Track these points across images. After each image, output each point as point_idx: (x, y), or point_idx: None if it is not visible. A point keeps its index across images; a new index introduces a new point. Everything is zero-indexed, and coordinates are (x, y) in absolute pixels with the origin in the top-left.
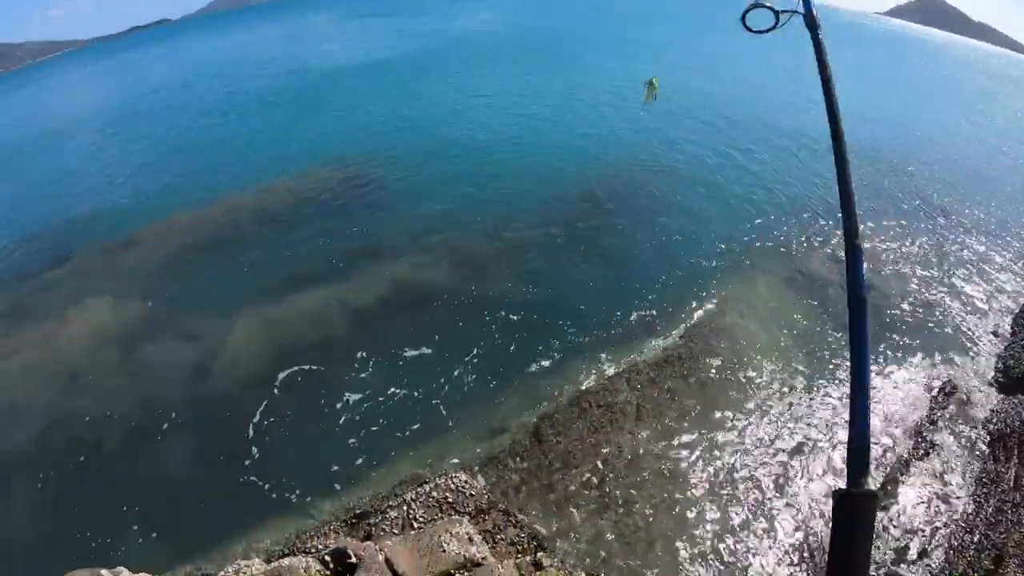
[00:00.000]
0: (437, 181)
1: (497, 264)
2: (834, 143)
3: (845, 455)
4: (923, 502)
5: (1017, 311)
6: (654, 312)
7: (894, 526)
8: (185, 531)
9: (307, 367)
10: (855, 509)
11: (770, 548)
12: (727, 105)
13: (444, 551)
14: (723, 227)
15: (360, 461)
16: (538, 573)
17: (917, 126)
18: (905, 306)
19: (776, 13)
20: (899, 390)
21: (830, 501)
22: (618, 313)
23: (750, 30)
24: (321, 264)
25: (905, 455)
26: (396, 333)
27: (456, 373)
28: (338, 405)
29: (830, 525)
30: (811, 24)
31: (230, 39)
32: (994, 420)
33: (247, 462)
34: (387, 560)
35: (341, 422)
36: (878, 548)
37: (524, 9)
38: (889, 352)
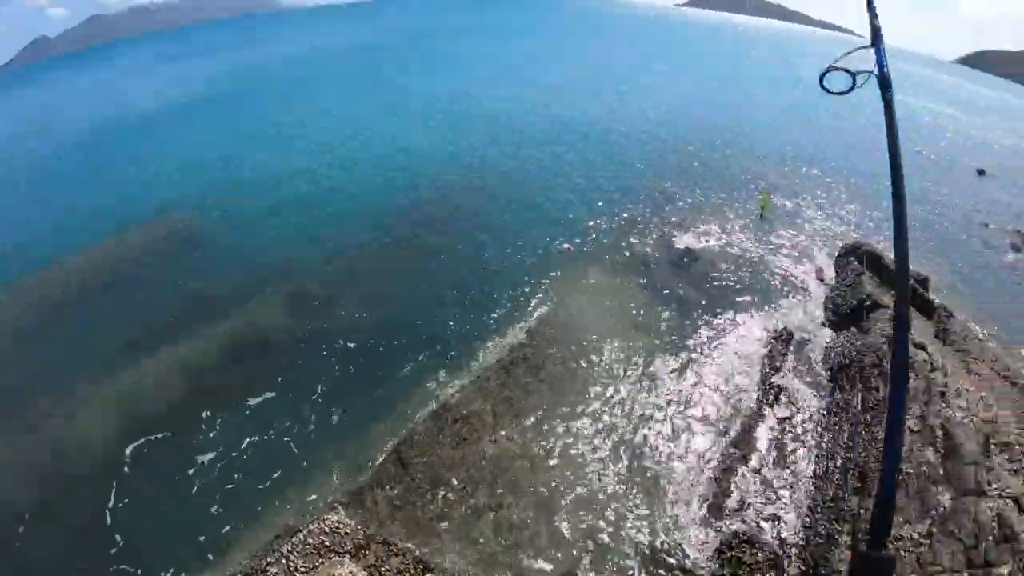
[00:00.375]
0: (262, 221)
1: (332, 296)
2: (895, 203)
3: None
4: (783, 443)
5: (836, 254)
6: (495, 318)
7: (760, 472)
8: None
9: (156, 436)
10: (877, 571)
11: (638, 515)
12: (525, 115)
13: None
14: (544, 229)
15: (227, 525)
16: None
17: (718, 103)
18: (733, 271)
19: (853, 75)
20: (742, 345)
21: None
22: (459, 326)
23: (828, 91)
24: (156, 327)
25: (757, 403)
26: (240, 385)
27: (306, 414)
28: (191, 471)
29: None
30: (884, 84)
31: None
32: (832, 355)
33: (113, 551)
34: None
35: (199, 487)
36: (753, 493)
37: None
38: (727, 315)
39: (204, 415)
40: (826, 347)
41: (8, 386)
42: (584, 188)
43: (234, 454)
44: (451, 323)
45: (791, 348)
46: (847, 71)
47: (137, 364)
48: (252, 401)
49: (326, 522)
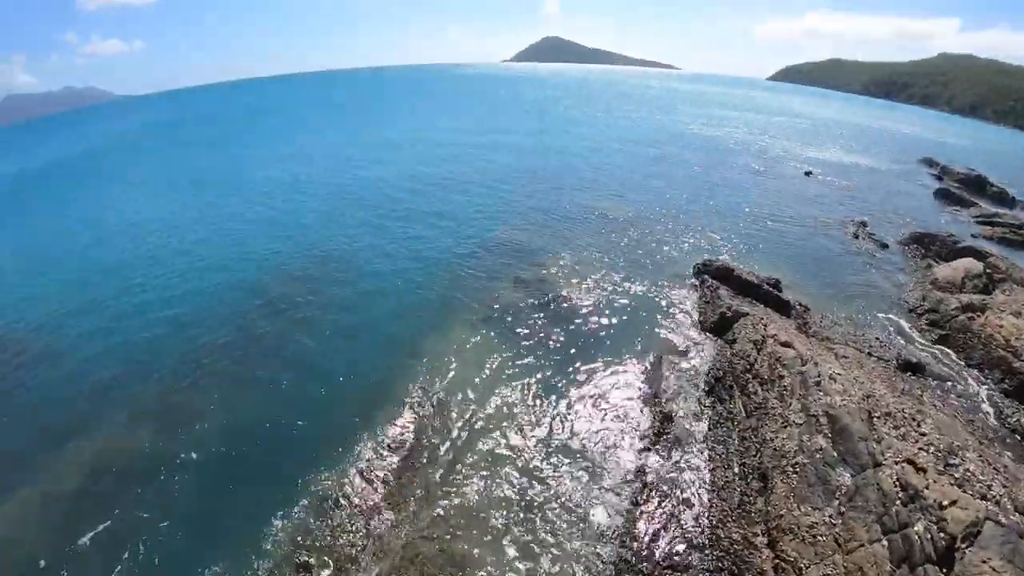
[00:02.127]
0: (97, 328)
1: (193, 410)
2: None
3: None
4: (679, 462)
5: (690, 271)
6: (373, 410)
7: (664, 500)
8: None
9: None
10: None
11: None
12: (351, 189)
13: None
14: (400, 301)
15: None
16: None
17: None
18: (597, 312)
19: None
20: (621, 382)
21: None
22: (336, 426)
23: None
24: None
25: (649, 433)
26: (108, 513)
27: (175, 544)
28: None
29: None
30: None
31: None
32: (708, 371)
33: None
34: None
35: None
36: (661, 523)
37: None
38: (601, 353)
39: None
40: (698, 365)
41: None
42: (437, 253)
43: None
44: (321, 417)
45: (665, 372)
46: None
47: None
48: (119, 529)
49: None
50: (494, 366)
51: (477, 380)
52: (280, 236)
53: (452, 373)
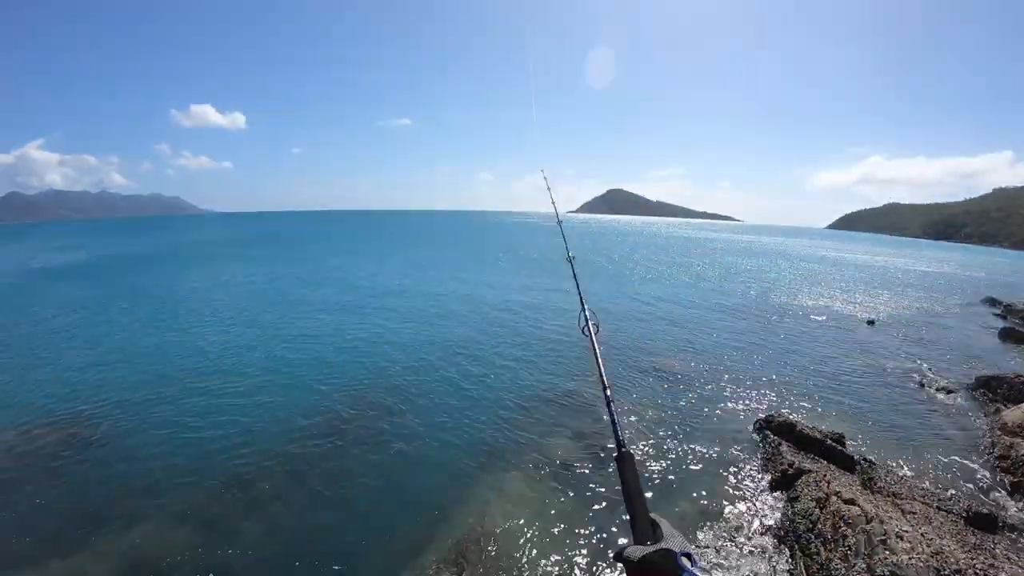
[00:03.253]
0: (153, 431)
1: (235, 518)
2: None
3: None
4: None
5: (752, 427)
6: (418, 552)
7: None
8: None
9: None
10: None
11: None
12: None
13: None
14: (459, 438)
15: None
16: None
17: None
18: (655, 470)
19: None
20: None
21: None
22: (382, 555)
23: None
24: (42, 545)
25: None
26: None
27: None
28: None
29: None
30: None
31: None
32: (765, 531)
33: None
34: None
35: None
36: None
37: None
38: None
39: None
40: (759, 525)
41: None
42: (512, 395)
43: None
44: (371, 554)
45: (724, 534)
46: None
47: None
48: None
49: None
50: (546, 519)
51: (526, 531)
52: (355, 361)
53: (505, 523)
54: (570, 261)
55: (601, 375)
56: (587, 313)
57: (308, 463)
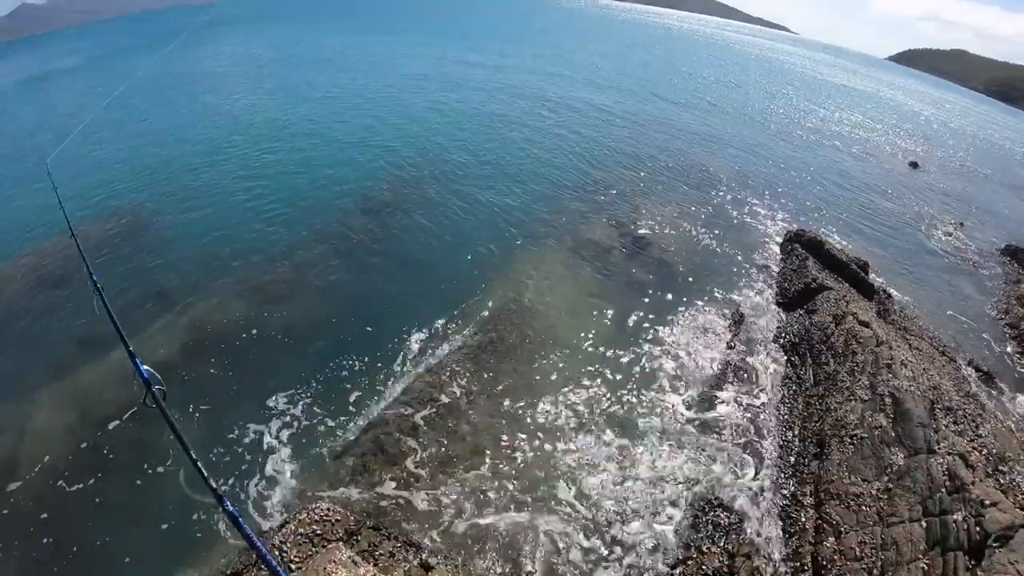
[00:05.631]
0: (214, 210)
1: (294, 288)
2: None
3: None
4: (743, 414)
5: (782, 240)
6: (461, 305)
7: (725, 438)
8: None
9: (118, 438)
10: None
11: (610, 482)
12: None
13: None
14: (507, 211)
15: (201, 525)
16: (429, 574)
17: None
18: (686, 257)
19: None
20: (700, 329)
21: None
22: (425, 314)
23: None
24: (109, 322)
25: (716, 378)
26: (202, 382)
27: (276, 410)
28: (157, 469)
29: None
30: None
31: None
32: (783, 334)
33: (89, 560)
34: None
35: (167, 486)
36: (723, 460)
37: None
38: (682, 299)
39: (170, 413)
40: (777, 327)
41: None
42: (554, 176)
43: (218, 447)
44: (414, 313)
45: (744, 329)
46: None
47: (95, 361)
48: (219, 399)
49: (315, 511)
50: (581, 292)
51: (566, 303)
52: (405, 137)
53: (540, 291)
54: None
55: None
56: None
57: (362, 231)
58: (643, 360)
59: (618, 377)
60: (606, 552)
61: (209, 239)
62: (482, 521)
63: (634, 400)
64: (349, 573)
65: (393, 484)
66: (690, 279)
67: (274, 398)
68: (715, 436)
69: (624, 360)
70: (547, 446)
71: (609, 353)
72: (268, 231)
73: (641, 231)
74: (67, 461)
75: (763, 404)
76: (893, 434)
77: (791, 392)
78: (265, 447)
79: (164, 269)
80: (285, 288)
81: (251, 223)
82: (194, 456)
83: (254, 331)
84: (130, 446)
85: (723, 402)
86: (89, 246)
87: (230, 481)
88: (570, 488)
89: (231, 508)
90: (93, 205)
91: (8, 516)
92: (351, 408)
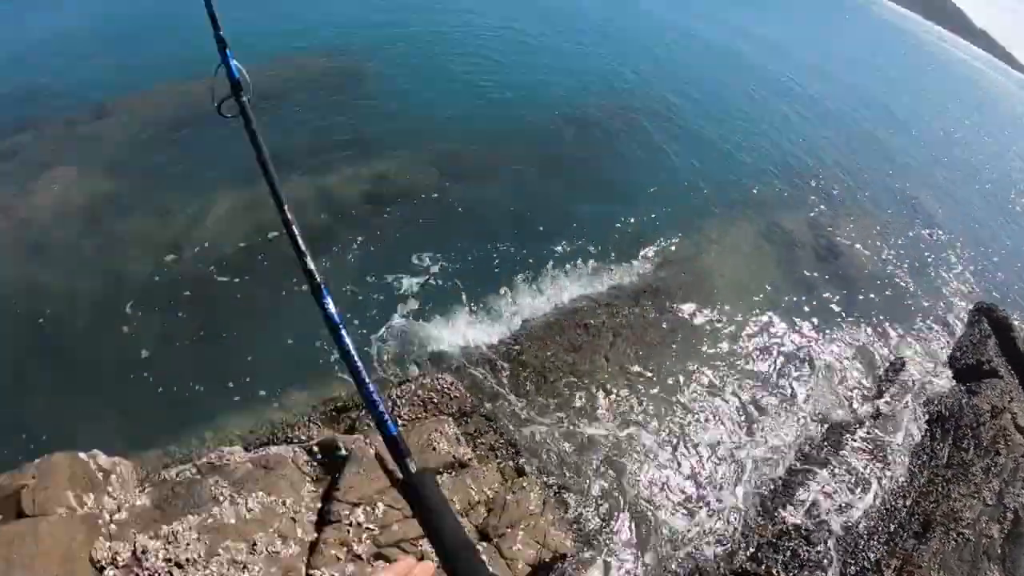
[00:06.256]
0: (436, 83)
1: (486, 174)
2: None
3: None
4: (864, 463)
5: (971, 307)
6: (638, 241)
7: (839, 476)
8: (153, 415)
9: (285, 255)
10: (415, 489)
11: (708, 472)
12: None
13: (435, 449)
14: (712, 170)
15: (336, 355)
16: (519, 479)
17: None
18: (871, 279)
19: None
20: (855, 358)
21: None
22: (603, 237)
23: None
24: (304, 152)
25: (853, 412)
26: (377, 229)
27: (436, 272)
28: (307, 289)
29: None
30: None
31: None
32: (935, 401)
33: (216, 349)
34: (378, 455)
35: (315, 312)
36: (827, 495)
37: None
38: (852, 321)
39: (335, 248)
40: (932, 392)
41: (147, 169)
42: (777, 155)
43: (358, 293)
44: (592, 232)
45: (900, 377)
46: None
47: (281, 181)
48: (387, 250)
49: (439, 381)
50: (755, 276)
51: (736, 280)
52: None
53: (718, 259)
54: None
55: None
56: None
57: (570, 141)
58: (789, 363)
59: (761, 368)
60: (691, 517)
61: (416, 107)
62: (586, 451)
63: (765, 395)
64: (450, 447)
65: (518, 387)
66: (867, 305)
67: (434, 261)
68: (829, 469)
69: (771, 354)
70: (671, 404)
71: (759, 343)
72: (482, 111)
73: (836, 239)
74: (225, 255)
75: (888, 460)
76: (999, 551)
77: (919, 462)
78: (409, 305)
79: (368, 120)
80: (476, 171)
81: (467, 100)
82: (308, 265)
83: (435, 197)
84: (284, 261)
85: (851, 437)
86: (302, 77)
87: (363, 324)
88: (680, 447)
89: (346, 339)
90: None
91: (155, 284)
92: (502, 300)
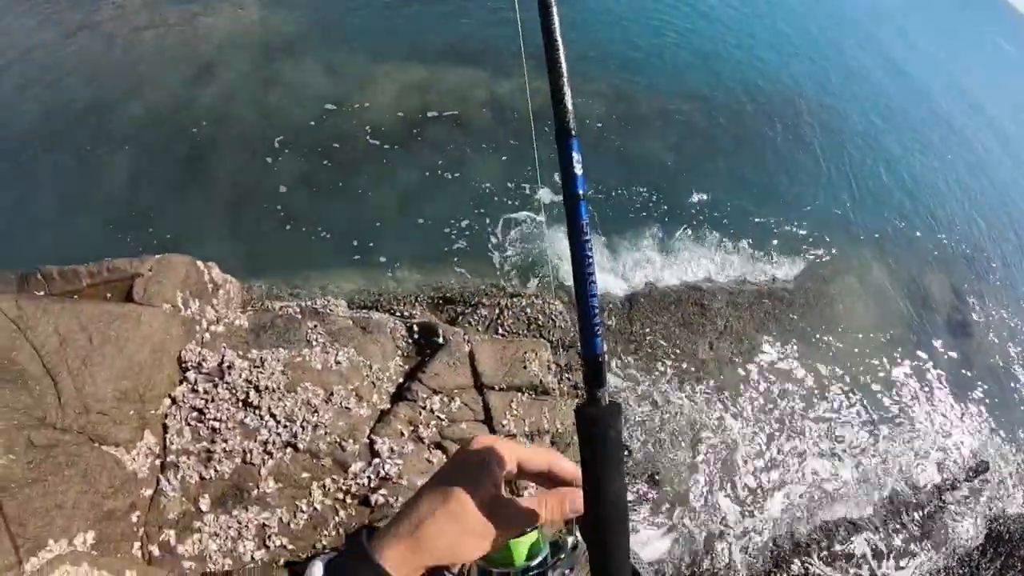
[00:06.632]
0: (634, 19)
1: (652, 123)
2: None
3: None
4: (907, 543)
5: None
6: (778, 244)
7: (878, 542)
8: (274, 247)
9: (436, 137)
10: (594, 424)
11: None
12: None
13: (525, 368)
14: (870, 198)
15: (461, 246)
16: None
17: None
18: (984, 376)
19: None
20: (945, 436)
21: None
22: (745, 226)
23: None
24: (476, 44)
25: (914, 497)
26: (529, 139)
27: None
28: (455, 184)
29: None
30: None
31: None
32: (1001, 520)
33: (349, 206)
34: (471, 353)
35: (453, 202)
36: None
37: None
38: (955, 402)
39: (486, 145)
40: (1002, 509)
41: (325, 24)
42: (953, 201)
43: (504, 197)
44: (740, 215)
45: (976, 481)
46: None
47: (449, 69)
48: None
49: (550, 304)
50: (879, 317)
51: (859, 310)
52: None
53: (849, 288)
54: None
55: None
56: None
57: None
58: (877, 416)
59: (847, 408)
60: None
61: (604, 35)
62: (659, 418)
63: (842, 434)
64: (540, 371)
65: (618, 341)
66: (977, 392)
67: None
68: (875, 531)
69: (862, 402)
70: (756, 412)
71: (855, 386)
72: (665, 62)
73: (972, 316)
74: (383, 121)
75: (931, 552)
76: None
77: (961, 571)
78: (540, 218)
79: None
80: (644, 117)
81: (659, 43)
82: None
83: (600, 127)
84: (436, 144)
85: (906, 514)
86: None
87: (493, 223)
88: (746, 454)
89: (583, 214)
90: None
91: (308, 128)
92: (633, 252)
